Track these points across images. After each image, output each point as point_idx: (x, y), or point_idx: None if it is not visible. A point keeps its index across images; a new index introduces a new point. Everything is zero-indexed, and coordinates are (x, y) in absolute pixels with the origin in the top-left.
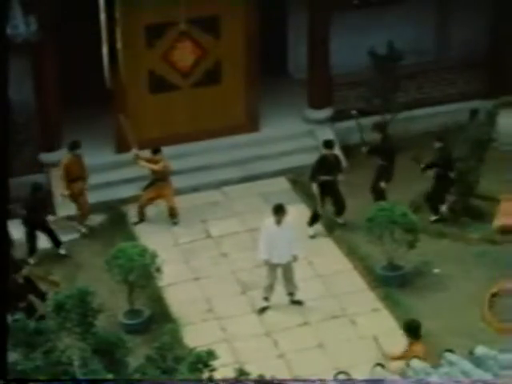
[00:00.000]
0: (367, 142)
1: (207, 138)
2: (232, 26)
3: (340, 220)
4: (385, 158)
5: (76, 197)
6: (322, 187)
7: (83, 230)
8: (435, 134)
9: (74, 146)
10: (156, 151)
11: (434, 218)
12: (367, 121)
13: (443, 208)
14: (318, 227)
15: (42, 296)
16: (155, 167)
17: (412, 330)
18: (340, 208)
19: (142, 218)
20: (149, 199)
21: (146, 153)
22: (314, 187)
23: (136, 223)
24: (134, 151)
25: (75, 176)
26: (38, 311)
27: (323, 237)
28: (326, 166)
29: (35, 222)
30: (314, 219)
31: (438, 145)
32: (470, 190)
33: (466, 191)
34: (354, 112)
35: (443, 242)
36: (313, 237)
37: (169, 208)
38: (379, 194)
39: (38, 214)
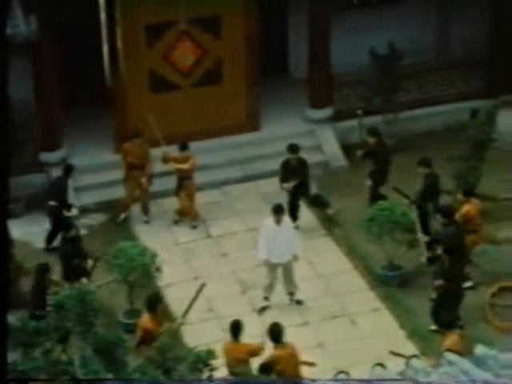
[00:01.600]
0: (364, 144)
1: (208, 138)
2: (232, 25)
3: (330, 211)
4: (378, 163)
5: (130, 184)
6: (292, 190)
7: (122, 216)
8: (436, 133)
9: (134, 135)
10: (183, 147)
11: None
12: (367, 120)
13: (422, 259)
14: (316, 225)
15: (85, 256)
16: (185, 166)
17: (274, 334)
18: (319, 204)
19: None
20: (186, 200)
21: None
22: (285, 187)
23: (195, 227)
24: (164, 150)
25: (133, 163)
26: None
27: (323, 236)
28: (289, 170)
29: (58, 208)
30: (293, 214)
31: (423, 171)
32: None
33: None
34: (359, 112)
35: None
36: (297, 227)
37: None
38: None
39: (63, 199)
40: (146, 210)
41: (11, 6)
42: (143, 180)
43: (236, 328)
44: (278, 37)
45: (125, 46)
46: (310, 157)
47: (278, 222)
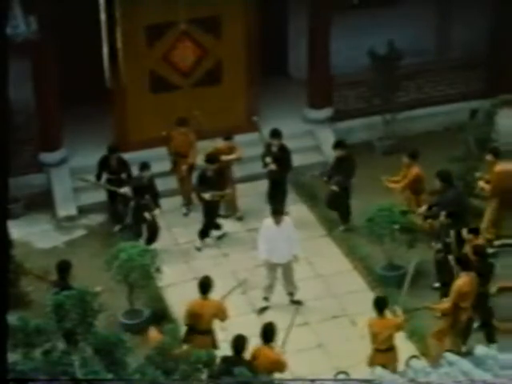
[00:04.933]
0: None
1: (207, 138)
2: (232, 25)
3: (217, 233)
4: (281, 166)
5: (179, 173)
6: (207, 204)
7: (184, 211)
8: (435, 133)
9: (179, 123)
10: (228, 137)
11: (342, 227)
12: (367, 120)
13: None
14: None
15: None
16: (233, 157)
17: (202, 287)
18: (207, 227)
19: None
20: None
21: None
22: (205, 197)
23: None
24: (212, 144)
25: (179, 151)
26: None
27: (323, 237)
28: (205, 181)
29: (141, 206)
30: (205, 233)
31: (339, 152)
32: (470, 190)
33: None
34: (255, 118)
35: None
36: (199, 249)
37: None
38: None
39: (144, 196)
40: (187, 201)
41: (11, 5)
42: (184, 168)
43: (381, 304)
44: (277, 37)
45: (125, 46)
46: (309, 157)
47: (277, 222)
